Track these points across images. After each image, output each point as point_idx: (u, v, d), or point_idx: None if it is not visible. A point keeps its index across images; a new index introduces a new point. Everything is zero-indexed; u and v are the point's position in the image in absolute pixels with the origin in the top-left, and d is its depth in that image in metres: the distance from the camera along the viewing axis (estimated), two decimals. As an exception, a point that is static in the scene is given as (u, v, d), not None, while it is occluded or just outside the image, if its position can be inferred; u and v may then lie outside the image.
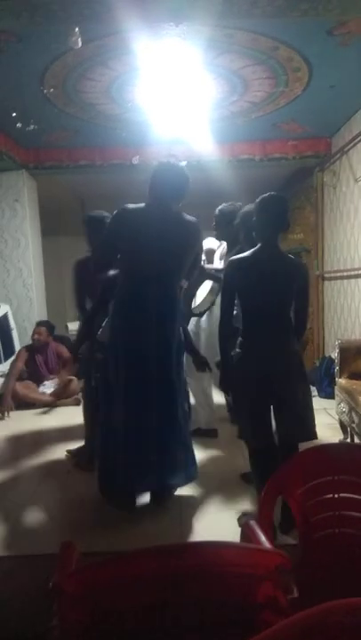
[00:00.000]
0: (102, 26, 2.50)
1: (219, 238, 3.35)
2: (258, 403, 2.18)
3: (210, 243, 4.12)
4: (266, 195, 2.20)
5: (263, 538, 1.26)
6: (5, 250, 5.23)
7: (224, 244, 3.49)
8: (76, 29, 2.26)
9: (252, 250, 2.21)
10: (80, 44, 2.34)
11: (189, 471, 2.56)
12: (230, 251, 3.28)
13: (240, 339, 2.21)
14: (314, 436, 2.19)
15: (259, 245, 2.20)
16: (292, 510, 1.52)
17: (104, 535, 2.26)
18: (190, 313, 3.35)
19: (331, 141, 4.84)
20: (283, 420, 2.18)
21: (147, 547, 0.98)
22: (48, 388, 4.69)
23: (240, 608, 1.05)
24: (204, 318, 3.42)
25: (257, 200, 2.22)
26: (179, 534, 2.30)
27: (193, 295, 3.33)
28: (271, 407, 2.21)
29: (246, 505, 2.51)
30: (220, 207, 3.23)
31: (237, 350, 2.21)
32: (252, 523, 1.37)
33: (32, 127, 3.92)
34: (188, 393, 2.76)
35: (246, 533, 1.35)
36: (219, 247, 3.66)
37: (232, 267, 2.21)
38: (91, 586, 0.98)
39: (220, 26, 2.52)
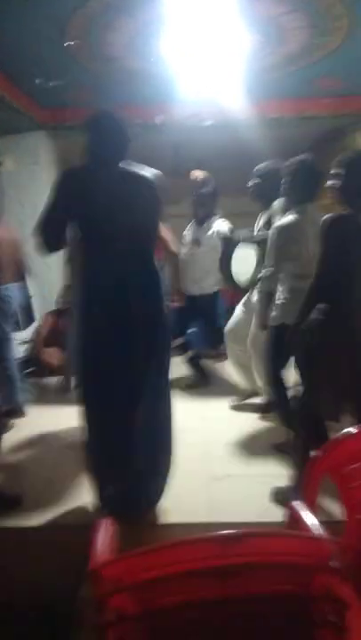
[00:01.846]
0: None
1: (261, 200, 3.20)
2: (340, 373, 2.03)
3: (222, 226, 3.93)
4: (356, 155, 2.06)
5: (313, 521, 1.17)
6: (22, 214, 5.08)
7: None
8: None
9: (350, 213, 2.04)
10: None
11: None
12: (265, 212, 3.14)
13: (325, 304, 2.04)
14: None
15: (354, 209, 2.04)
16: (339, 490, 1.43)
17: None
18: (237, 288, 3.23)
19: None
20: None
21: (192, 536, 0.90)
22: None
23: (294, 601, 0.97)
24: (253, 294, 3.27)
25: (346, 160, 2.05)
26: (207, 509, 2.24)
27: (229, 267, 3.21)
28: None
29: (279, 477, 2.43)
30: (261, 168, 3.08)
31: (319, 317, 2.04)
32: (299, 505, 1.28)
33: (52, 84, 3.73)
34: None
35: (293, 516, 1.26)
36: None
37: (338, 225, 2.02)
38: (132, 575, 0.90)
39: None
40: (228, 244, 3.34)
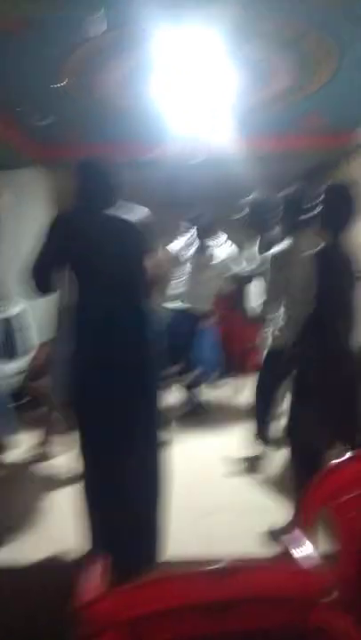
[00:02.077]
0: (122, 12, 2.40)
1: (252, 229, 3.30)
2: (331, 400, 2.06)
3: (228, 251, 4.07)
4: (343, 183, 2.23)
5: (309, 553, 1.15)
6: (22, 246, 5.13)
7: None
8: (102, 11, 2.12)
9: (327, 243, 2.12)
10: (105, 27, 2.21)
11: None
12: (262, 242, 3.22)
13: (317, 333, 2.09)
14: None
15: (334, 238, 2.11)
16: (335, 520, 1.41)
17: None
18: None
19: (355, 133, 4.69)
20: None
21: (184, 571, 0.88)
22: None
23: (291, 634, 0.94)
24: None
25: (322, 190, 2.13)
26: (200, 543, 2.19)
27: (242, 301, 3.40)
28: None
29: (273, 508, 2.39)
30: (249, 198, 3.17)
31: (312, 344, 2.10)
32: (294, 536, 1.26)
33: (46, 121, 3.84)
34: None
35: (288, 548, 1.24)
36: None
37: (317, 262, 2.12)
38: (123, 611, 0.87)
39: (247, 9, 2.42)
40: (240, 281, 3.50)
